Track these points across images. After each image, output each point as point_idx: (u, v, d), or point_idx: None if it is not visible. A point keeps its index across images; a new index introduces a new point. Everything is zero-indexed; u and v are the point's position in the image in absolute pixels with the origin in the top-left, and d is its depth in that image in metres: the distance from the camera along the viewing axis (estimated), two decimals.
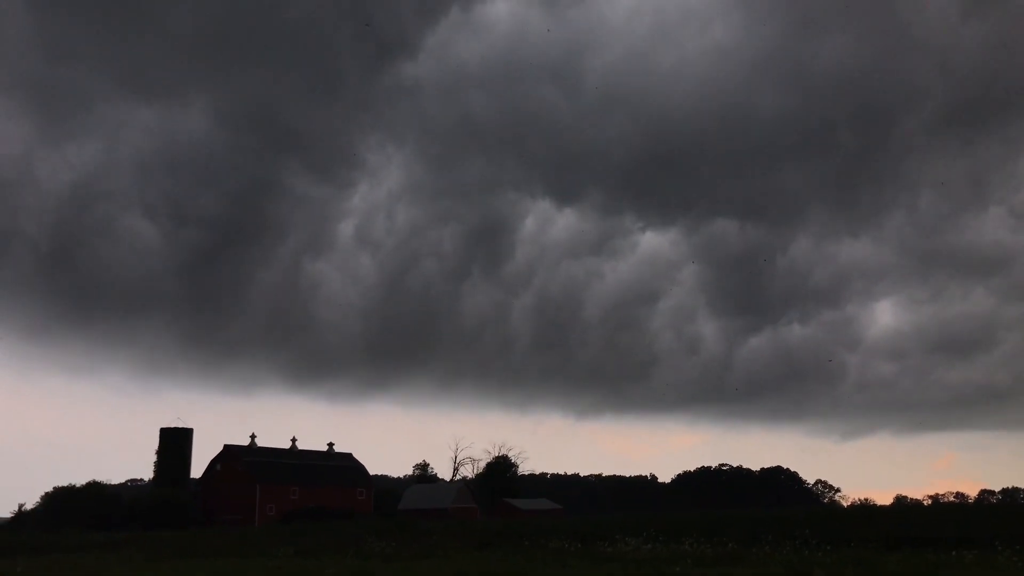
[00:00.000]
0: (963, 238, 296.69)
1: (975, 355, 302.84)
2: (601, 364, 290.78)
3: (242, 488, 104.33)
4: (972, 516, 58.69)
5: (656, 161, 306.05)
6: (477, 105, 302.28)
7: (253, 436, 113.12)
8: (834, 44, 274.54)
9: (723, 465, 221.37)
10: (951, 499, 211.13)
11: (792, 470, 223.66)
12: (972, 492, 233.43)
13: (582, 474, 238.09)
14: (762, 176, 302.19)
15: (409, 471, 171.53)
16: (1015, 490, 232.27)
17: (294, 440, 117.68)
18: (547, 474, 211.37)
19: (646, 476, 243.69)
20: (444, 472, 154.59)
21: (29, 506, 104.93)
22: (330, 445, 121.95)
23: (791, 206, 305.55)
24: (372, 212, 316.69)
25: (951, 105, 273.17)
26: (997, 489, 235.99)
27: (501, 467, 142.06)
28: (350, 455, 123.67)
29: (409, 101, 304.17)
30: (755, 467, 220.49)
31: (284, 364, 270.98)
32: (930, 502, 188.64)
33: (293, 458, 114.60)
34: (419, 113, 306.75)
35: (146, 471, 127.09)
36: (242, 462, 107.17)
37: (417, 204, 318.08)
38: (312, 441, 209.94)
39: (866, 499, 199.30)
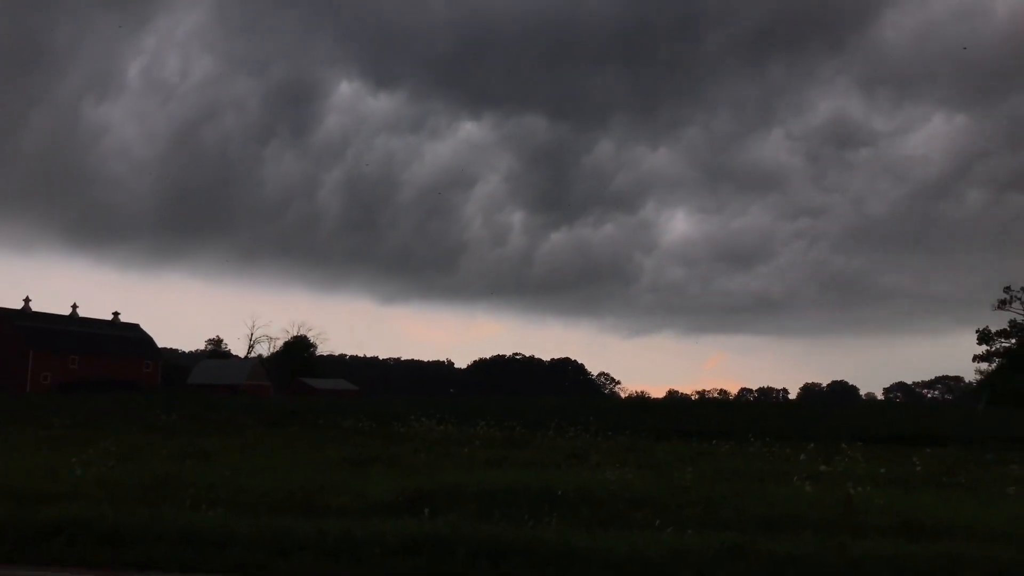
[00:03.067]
0: (748, 156, 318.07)
1: (754, 266, 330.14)
2: (410, 249, 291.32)
3: (13, 355, 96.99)
4: (731, 411, 65.54)
5: (473, 51, 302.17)
6: None
7: (27, 299, 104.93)
8: None
9: (516, 354, 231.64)
10: (715, 396, 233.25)
11: (580, 362, 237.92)
12: (733, 390, 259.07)
13: (381, 357, 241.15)
14: (574, 77, 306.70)
15: (201, 346, 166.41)
16: (768, 389, 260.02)
17: (75, 306, 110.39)
18: (346, 355, 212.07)
19: (443, 361, 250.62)
20: (239, 349, 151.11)
21: None
22: (115, 314, 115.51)
23: (598, 109, 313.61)
24: (165, 54, 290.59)
25: (750, 28, 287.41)
26: (755, 388, 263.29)
27: (299, 346, 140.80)
28: (137, 326, 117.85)
29: None
30: (546, 357, 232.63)
31: (65, 222, 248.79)
32: (697, 397, 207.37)
33: (73, 325, 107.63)
34: None
35: None
36: (13, 327, 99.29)
37: (218, 52, 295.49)
38: (96, 309, 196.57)
39: (642, 392, 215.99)
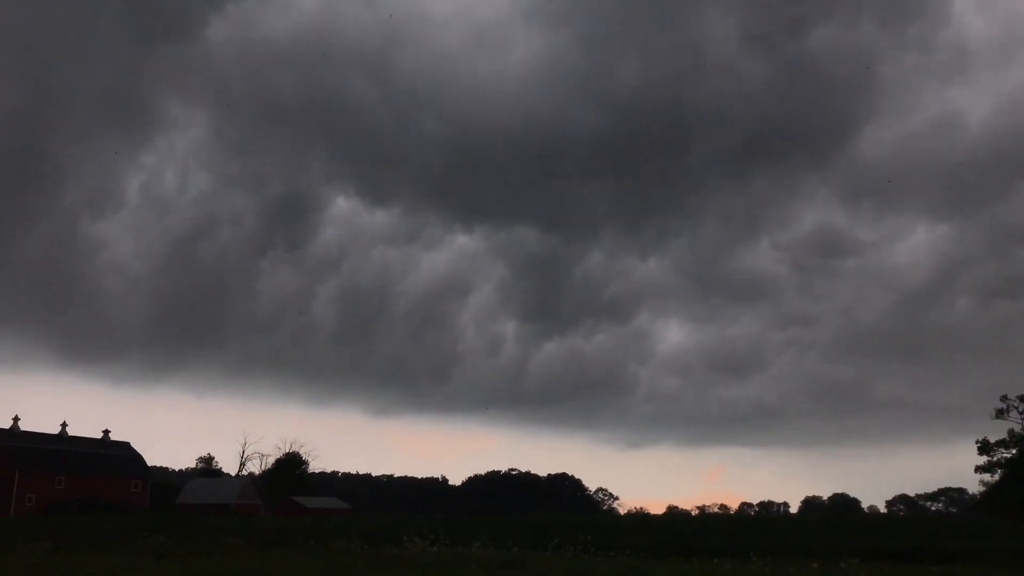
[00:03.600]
0: (736, 266, 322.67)
1: (748, 375, 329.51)
2: (403, 360, 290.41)
3: None
4: (733, 527, 64.02)
5: (465, 164, 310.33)
6: (283, 83, 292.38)
7: (16, 418, 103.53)
8: (637, 69, 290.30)
9: (512, 469, 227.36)
10: (716, 510, 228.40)
11: (576, 477, 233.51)
12: (734, 504, 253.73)
13: (374, 474, 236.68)
14: (563, 189, 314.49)
15: (192, 464, 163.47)
16: (769, 503, 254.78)
17: (64, 424, 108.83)
18: (339, 472, 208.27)
19: (437, 478, 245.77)
20: (231, 467, 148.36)
21: None
22: (105, 432, 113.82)
23: (588, 221, 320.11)
24: (164, 171, 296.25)
25: (734, 143, 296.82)
26: (755, 502, 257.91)
27: (291, 463, 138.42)
28: (127, 444, 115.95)
29: (215, 64, 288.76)
30: (542, 472, 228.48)
31: (58, 337, 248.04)
32: (698, 512, 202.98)
33: (62, 444, 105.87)
34: (223, 79, 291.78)
35: None
36: (2, 447, 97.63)
37: (215, 169, 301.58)
38: (87, 426, 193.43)
39: (641, 508, 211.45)
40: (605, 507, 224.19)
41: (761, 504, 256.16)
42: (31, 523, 60.47)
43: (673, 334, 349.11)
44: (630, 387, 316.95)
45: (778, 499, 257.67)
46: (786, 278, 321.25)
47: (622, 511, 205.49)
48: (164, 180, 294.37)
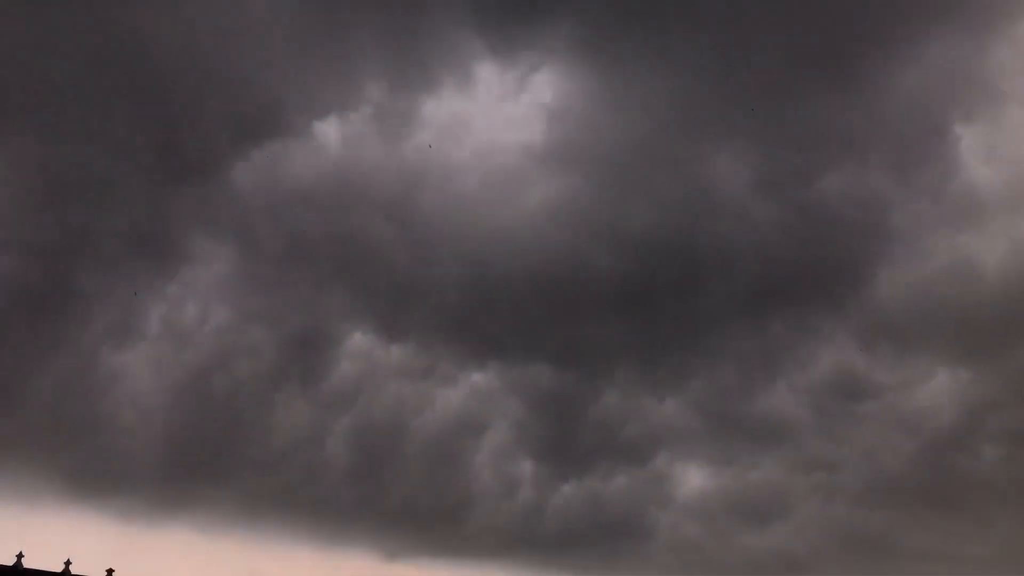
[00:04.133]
0: (755, 409, 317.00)
1: (772, 522, 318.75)
2: (416, 501, 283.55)
3: None
4: None
5: (481, 302, 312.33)
6: (306, 223, 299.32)
7: (20, 555, 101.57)
8: (650, 211, 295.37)
9: None
10: None
11: None
12: None
13: None
14: (578, 327, 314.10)
15: None
16: None
17: (68, 563, 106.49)
18: None
19: None
20: None
21: None
22: (109, 572, 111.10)
23: (603, 360, 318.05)
24: (185, 303, 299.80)
25: (749, 285, 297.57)
26: None
27: None
28: None
29: (240, 204, 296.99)
30: None
31: (67, 471, 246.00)
32: None
33: None
34: (247, 218, 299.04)
35: None
36: None
37: (235, 303, 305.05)
38: (91, 564, 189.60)
39: None
40: None
41: None
42: None
43: (692, 478, 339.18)
44: (650, 532, 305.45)
45: None
46: (806, 421, 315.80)
47: None
48: (185, 312, 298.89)
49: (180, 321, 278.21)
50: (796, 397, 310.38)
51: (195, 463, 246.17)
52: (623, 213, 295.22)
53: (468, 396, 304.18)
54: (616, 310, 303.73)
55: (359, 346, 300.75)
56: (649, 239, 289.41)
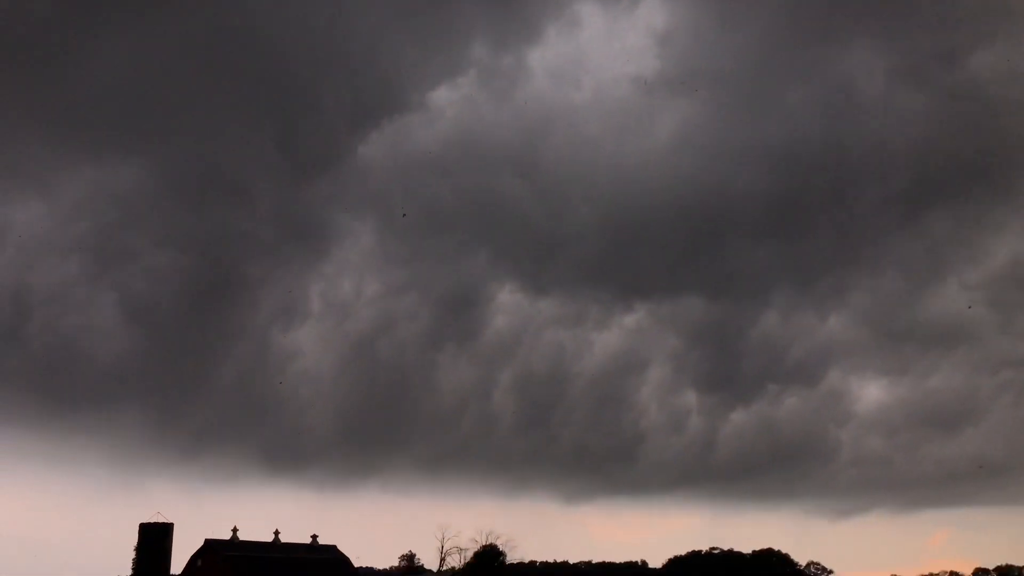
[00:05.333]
0: (925, 313, 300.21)
1: (962, 428, 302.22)
2: (586, 443, 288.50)
3: None
4: None
5: (622, 243, 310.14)
6: (438, 188, 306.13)
7: (235, 530, 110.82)
8: (786, 122, 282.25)
9: (714, 548, 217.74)
10: None
11: (784, 552, 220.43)
12: (967, 570, 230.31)
13: (572, 560, 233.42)
14: (725, 254, 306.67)
15: (395, 562, 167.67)
16: (1008, 567, 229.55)
17: (277, 532, 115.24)
18: (536, 562, 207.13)
19: (636, 562, 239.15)
20: (431, 562, 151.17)
21: None
22: (314, 537, 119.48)
23: (757, 284, 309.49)
24: (341, 279, 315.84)
25: (905, 185, 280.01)
26: (991, 567, 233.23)
27: (489, 556, 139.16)
28: (334, 547, 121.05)
29: (374, 179, 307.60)
30: (747, 549, 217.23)
31: (263, 449, 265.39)
32: None
33: (277, 552, 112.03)
34: (383, 192, 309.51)
35: (125, 569, 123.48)
36: (223, 557, 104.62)
37: (386, 273, 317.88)
38: (296, 532, 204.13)
39: None
40: None
41: (999, 568, 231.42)
42: None
43: (869, 392, 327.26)
44: (831, 452, 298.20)
45: (1018, 562, 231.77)
46: (984, 319, 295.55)
47: None
48: (341, 288, 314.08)
49: (338, 296, 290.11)
50: (970, 295, 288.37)
51: (374, 430, 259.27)
52: (757, 130, 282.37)
53: (623, 337, 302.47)
54: (764, 232, 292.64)
55: (509, 302, 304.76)
56: (789, 153, 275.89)
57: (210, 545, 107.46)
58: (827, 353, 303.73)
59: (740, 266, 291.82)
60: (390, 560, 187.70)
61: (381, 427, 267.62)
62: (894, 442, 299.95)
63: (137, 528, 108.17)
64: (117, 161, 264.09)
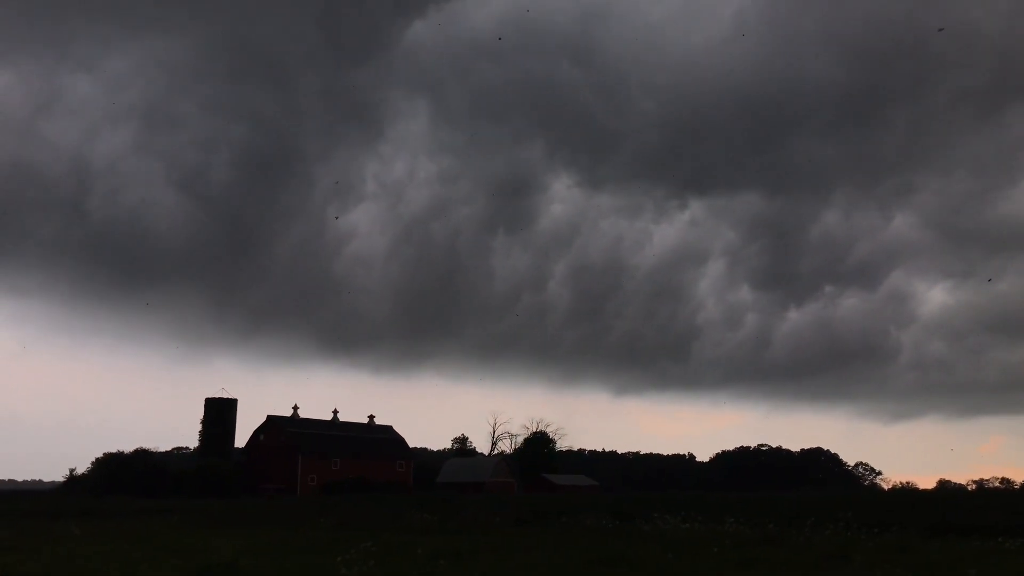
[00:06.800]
0: (994, 214, 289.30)
1: None
2: (640, 337, 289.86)
3: (285, 459, 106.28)
4: (1020, 503, 57.47)
5: (682, 134, 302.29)
6: (491, 74, 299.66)
7: (296, 407, 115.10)
8: (861, 8, 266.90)
9: (762, 445, 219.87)
10: (997, 485, 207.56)
11: (833, 452, 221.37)
12: (1018, 478, 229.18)
13: (620, 451, 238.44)
14: (788, 148, 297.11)
15: (448, 444, 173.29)
16: None
17: (336, 412, 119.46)
18: (584, 450, 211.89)
19: (684, 455, 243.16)
20: (483, 447, 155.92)
21: (80, 471, 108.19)
22: (371, 418, 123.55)
23: (817, 180, 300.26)
24: (395, 160, 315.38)
25: (980, 82, 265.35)
26: None
27: (539, 443, 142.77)
28: (390, 428, 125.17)
29: (428, 62, 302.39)
30: (795, 447, 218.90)
31: (320, 331, 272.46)
32: (975, 487, 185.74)
33: (335, 430, 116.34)
34: (437, 75, 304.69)
35: (192, 440, 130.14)
36: (285, 433, 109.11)
37: (440, 158, 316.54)
38: (353, 413, 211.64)
39: (908, 483, 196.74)
40: (866, 483, 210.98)
41: None
42: (315, 501, 66.97)
43: (936, 294, 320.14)
44: (891, 354, 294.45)
45: None
46: None
47: (886, 487, 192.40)
48: (396, 169, 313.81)
49: (393, 177, 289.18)
50: None
51: (428, 315, 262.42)
52: (833, 11, 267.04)
53: (679, 231, 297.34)
54: (831, 125, 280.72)
55: (565, 191, 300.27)
56: (864, 41, 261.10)
57: (272, 421, 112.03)
58: (890, 254, 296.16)
59: (803, 161, 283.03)
60: (443, 443, 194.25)
61: (434, 312, 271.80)
62: (957, 347, 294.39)
63: (203, 402, 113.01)
64: (164, 36, 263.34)
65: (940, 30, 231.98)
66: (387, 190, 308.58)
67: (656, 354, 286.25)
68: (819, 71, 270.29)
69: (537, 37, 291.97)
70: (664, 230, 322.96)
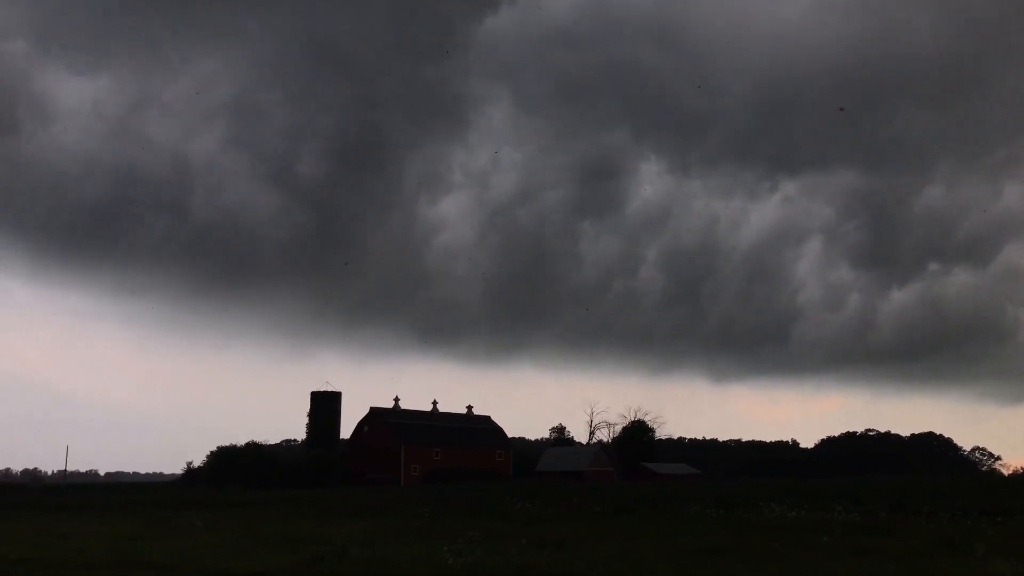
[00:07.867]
0: None
1: None
2: (738, 321, 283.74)
3: (388, 449, 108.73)
4: None
5: (773, 111, 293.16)
6: (572, 60, 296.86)
7: (397, 399, 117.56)
8: None
9: (870, 430, 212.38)
10: None
11: (946, 436, 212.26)
12: None
13: (720, 439, 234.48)
14: (887, 122, 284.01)
15: (545, 434, 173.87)
16: None
17: (435, 403, 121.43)
18: (684, 439, 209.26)
19: (787, 441, 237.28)
20: (581, 436, 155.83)
21: (196, 464, 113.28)
22: (469, 408, 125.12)
23: (919, 153, 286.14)
24: (480, 149, 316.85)
25: None
26: None
27: (637, 431, 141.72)
28: (488, 418, 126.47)
29: (509, 51, 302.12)
30: (904, 432, 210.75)
31: (417, 322, 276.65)
32: None
33: (435, 420, 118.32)
34: (518, 64, 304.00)
35: (299, 432, 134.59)
36: (387, 423, 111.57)
37: (526, 145, 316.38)
38: (452, 403, 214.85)
39: None
40: (984, 468, 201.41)
41: None
42: (418, 491, 68.41)
43: None
44: (1007, 333, 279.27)
45: None
46: None
47: (1006, 472, 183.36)
48: (480, 157, 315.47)
49: (479, 166, 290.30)
50: None
51: (520, 304, 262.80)
52: None
53: (774, 212, 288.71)
54: (934, 95, 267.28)
55: (654, 175, 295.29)
56: (967, 5, 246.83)
57: (375, 412, 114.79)
58: (1001, 228, 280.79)
59: (902, 134, 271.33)
60: (541, 432, 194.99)
61: (526, 301, 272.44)
62: None
63: (309, 396, 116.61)
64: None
65: None
66: (473, 179, 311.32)
67: (755, 338, 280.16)
68: (918, 37, 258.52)
69: (614, 23, 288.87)
70: (759, 209, 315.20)
